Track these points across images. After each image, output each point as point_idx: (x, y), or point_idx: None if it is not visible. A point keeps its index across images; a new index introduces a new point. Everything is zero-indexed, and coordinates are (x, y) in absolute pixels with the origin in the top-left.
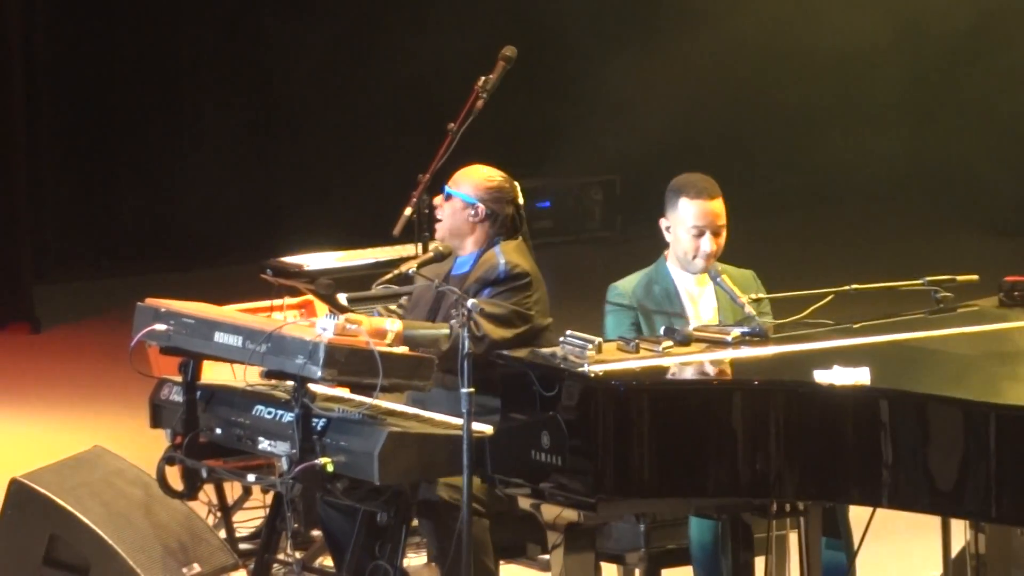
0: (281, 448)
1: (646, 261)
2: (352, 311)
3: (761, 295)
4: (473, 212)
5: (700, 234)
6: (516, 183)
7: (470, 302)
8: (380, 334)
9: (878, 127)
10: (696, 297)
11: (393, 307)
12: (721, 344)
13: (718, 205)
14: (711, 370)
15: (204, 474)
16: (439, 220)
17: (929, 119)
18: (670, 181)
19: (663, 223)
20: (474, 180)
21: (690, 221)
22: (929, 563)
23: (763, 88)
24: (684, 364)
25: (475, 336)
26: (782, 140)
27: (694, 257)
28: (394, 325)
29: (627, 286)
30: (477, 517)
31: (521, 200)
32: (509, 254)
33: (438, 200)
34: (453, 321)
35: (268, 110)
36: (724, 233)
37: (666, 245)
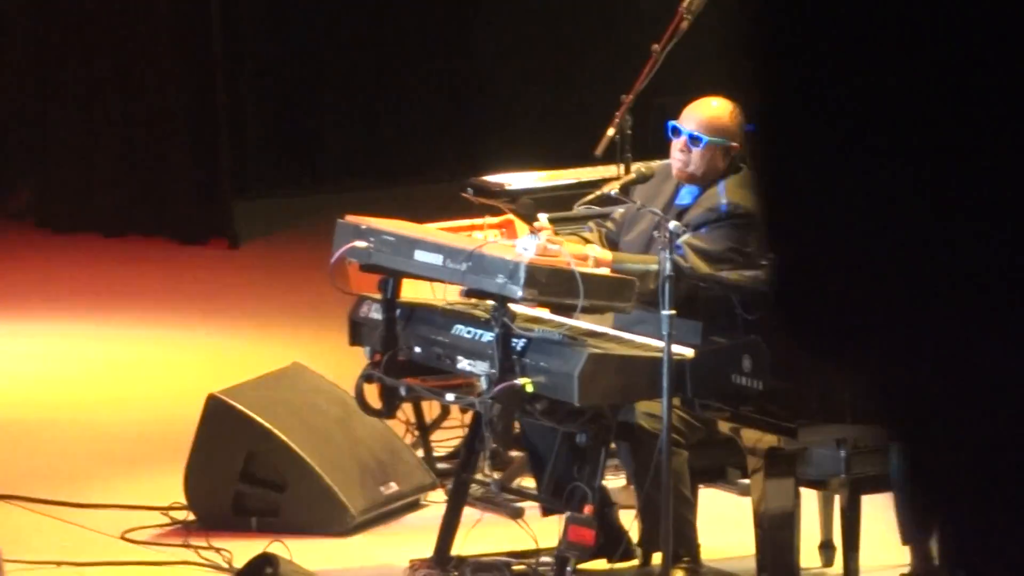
0: (480, 368)
1: None
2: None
3: None
4: (725, 152)
5: None
6: None
7: (672, 224)
8: (581, 257)
9: None
10: None
11: (595, 225)
12: None
13: None
14: None
15: (403, 392)
16: (683, 162)
17: None
18: None
19: None
20: (727, 122)
21: None
22: None
23: None
24: None
25: (680, 268)
26: None
27: None
28: (596, 252)
29: None
30: (677, 449)
31: None
32: (732, 192)
33: (680, 143)
34: (662, 254)
35: (469, 32)
36: None
37: None
